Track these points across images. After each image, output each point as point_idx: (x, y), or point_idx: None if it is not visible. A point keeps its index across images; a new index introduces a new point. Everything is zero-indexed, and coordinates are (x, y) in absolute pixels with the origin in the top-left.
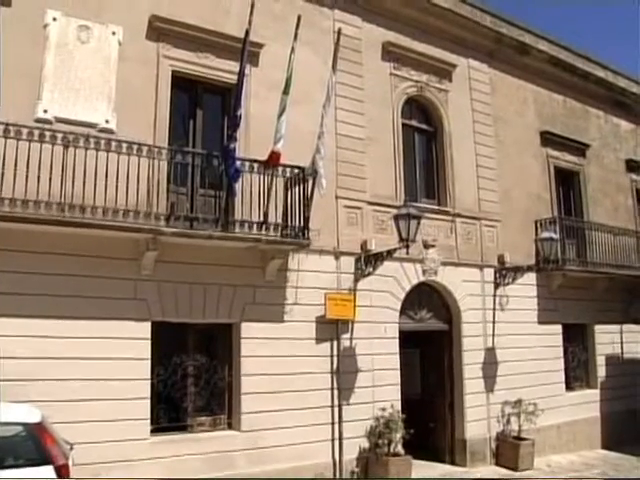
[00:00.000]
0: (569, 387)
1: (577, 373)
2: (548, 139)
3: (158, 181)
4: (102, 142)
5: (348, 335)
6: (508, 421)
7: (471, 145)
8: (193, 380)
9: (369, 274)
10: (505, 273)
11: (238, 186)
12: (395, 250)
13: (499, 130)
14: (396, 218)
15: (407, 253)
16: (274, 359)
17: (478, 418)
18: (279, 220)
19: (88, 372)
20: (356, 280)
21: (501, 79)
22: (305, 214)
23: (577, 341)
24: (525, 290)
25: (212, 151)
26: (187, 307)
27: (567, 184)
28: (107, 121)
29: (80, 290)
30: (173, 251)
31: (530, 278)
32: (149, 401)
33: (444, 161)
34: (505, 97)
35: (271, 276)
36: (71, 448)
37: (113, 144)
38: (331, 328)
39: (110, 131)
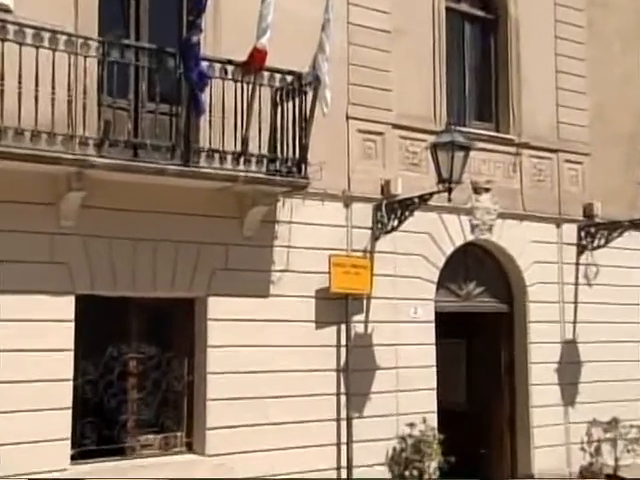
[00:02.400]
0: None
1: None
2: None
3: (85, 89)
4: None
5: (362, 317)
6: (598, 450)
7: (549, 40)
8: (136, 381)
9: (393, 229)
10: (594, 231)
11: (204, 99)
12: (432, 195)
13: (595, 17)
14: (434, 149)
15: (449, 200)
16: (255, 350)
17: (552, 443)
18: (264, 150)
19: None
20: (375, 238)
21: None
22: (302, 141)
23: None
24: (626, 257)
25: (165, 46)
26: (128, 275)
27: None
28: None
29: None
30: (108, 192)
31: (634, 239)
32: (70, 412)
33: (507, 65)
34: None
35: (252, 230)
36: None
37: (11, 30)
38: (338, 307)
39: (5, 9)
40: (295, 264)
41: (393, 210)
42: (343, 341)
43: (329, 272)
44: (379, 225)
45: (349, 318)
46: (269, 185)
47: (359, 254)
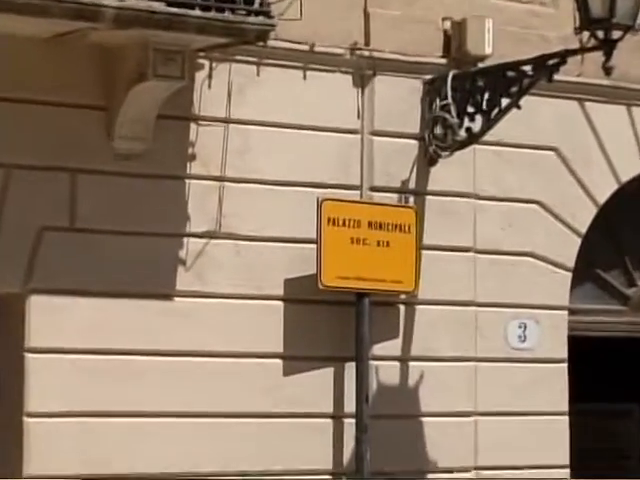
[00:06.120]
0: None
1: None
2: None
3: None
4: None
5: (394, 346)
6: None
7: None
8: None
9: (471, 141)
10: None
11: None
12: (564, 60)
13: None
14: None
15: (607, 71)
16: (142, 426)
17: None
18: None
19: None
20: (428, 161)
21: None
22: None
23: None
24: None
25: None
26: None
27: None
28: None
29: None
30: None
31: None
32: None
33: None
34: None
35: (134, 140)
36: None
37: None
38: (337, 322)
39: None
40: (238, 221)
41: (471, 93)
42: (349, 404)
43: (317, 241)
44: (438, 130)
45: (363, 350)
46: (176, 30)
47: (389, 197)
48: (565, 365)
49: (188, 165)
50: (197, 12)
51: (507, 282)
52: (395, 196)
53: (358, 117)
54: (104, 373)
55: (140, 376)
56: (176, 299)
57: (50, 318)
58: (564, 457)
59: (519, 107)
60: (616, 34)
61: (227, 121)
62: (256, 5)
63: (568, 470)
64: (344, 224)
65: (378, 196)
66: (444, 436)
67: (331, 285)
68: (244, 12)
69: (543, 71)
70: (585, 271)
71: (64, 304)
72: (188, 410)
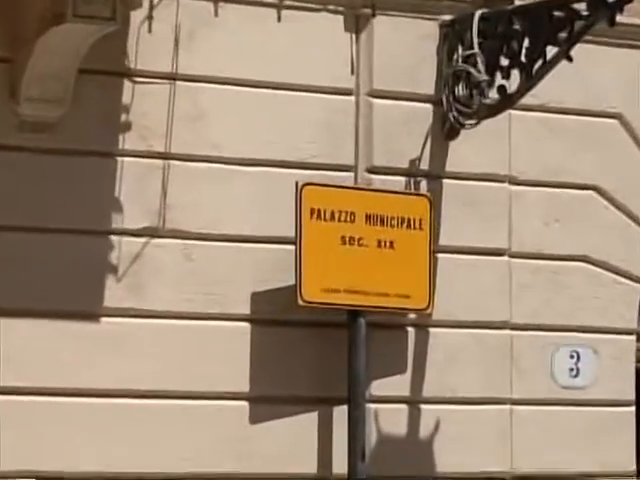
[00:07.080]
0: None
1: None
2: None
3: None
4: None
5: (401, 382)
6: None
7: None
8: None
9: (506, 105)
10: None
11: None
12: None
13: None
14: None
15: None
16: None
17: None
18: None
19: None
20: (447, 132)
21: None
22: None
23: None
24: None
25: None
26: None
27: None
28: None
29: None
30: None
31: None
32: None
33: None
34: None
35: (44, 103)
36: None
37: None
38: (323, 348)
39: None
40: (188, 213)
41: (505, 40)
42: (338, 462)
43: (297, 241)
44: (460, 90)
45: (358, 388)
46: None
47: (393, 181)
48: (632, 409)
49: (121, 138)
50: None
51: (553, 297)
52: (402, 180)
53: (352, 73)
54: (7, 420)
55: (56, 423)
56: (104, 320)
57: None
58: None
59: (570, 59)
60: None
61: (173, 77)
62: None
63: None
64: (333, 218)
65: (379, 180)
66: None
67: (315, 301)
68: None
69: (602, 11)
70: None
71: None
72: (121, 470)
